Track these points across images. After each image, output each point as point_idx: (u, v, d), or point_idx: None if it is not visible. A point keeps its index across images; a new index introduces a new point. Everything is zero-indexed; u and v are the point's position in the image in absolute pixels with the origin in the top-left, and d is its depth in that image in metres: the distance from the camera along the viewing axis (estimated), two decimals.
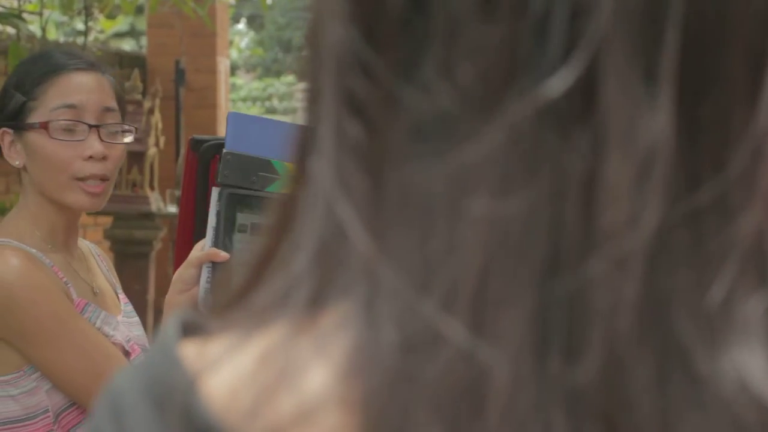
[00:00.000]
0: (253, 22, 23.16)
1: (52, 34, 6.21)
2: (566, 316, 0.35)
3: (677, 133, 0.35)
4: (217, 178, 1.80)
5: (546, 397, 0.35)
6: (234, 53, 19.67)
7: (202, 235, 1.90)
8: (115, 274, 2.03)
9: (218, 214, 1.78)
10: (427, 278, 0.36)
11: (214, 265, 1.74)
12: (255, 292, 0.42)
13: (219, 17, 6.52)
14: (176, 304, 1.73)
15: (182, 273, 1.74)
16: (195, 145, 1.95)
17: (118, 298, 1.94)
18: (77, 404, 1.76)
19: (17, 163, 1.80)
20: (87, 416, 1.76)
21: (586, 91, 0.35)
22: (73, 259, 1.87)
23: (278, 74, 21.74)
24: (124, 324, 1.86)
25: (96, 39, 5.93)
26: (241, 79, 21.00)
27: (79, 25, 5.69)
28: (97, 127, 1.83)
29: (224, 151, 1.79)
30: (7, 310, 1.69)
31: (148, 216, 5.38)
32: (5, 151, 1.82)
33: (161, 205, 5.62)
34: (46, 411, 1.75)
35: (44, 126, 1.78)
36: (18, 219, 1.81)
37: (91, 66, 1.85)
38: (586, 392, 0.34)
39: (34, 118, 1.79)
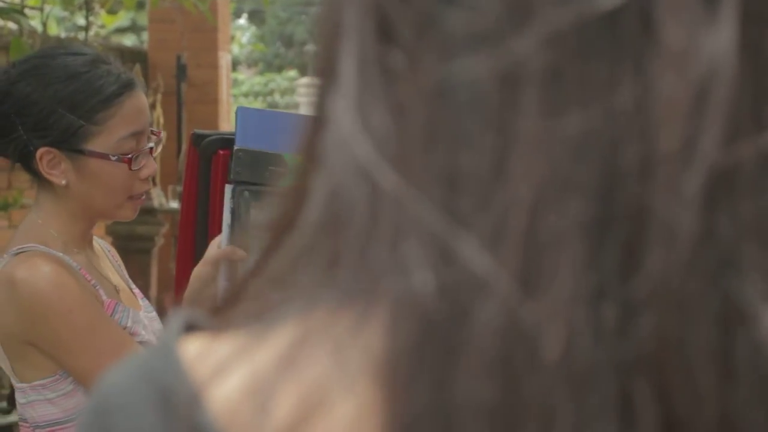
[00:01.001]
0: (255, 17, 23.14)
1: (53, 30, 6.20)
2: (622, 258, 0.32)
3: (739, 62, 0.33)
4: (229, 175, 1.80)
5: (601, 354, 0.32)
6: (235, 48, 19.67)
7: (205, 231, 1.90)
8: (125, 269, 2.02)
9: (233, 211, 1.78)
10: (466, 217, 0.33)
11: (232, 262, 1.75)
12: (263, 272, 0.40)
13: (220, 12, 6.51)
14: (196, 302, 1.74)
15: (200, 271, 1.74)
16: (196, 140, 1.94)
17: (133, 293, 1.93)
18: None
19: (62, 182, 1.75)
20: None
21: (642, 7, 0.33)
22: (95, 257, 1.86)
23: (280, 69, 21.74)
24: (147, 319, 1.85)
25: (97, 34, 5.93)
26: (242, 74, 21.00)
27: (80, 21, 5.68)
28: (151, 147, 1.82)
29: (236, 147, 1.78)
30: (42, 318, 1.67)
31: (150, 212, 5.38)
32: (44, 169, 1.74)
33: (163, 200, 5.61)
34: None
35: (109, 155, 1.75)
36: (39, 226, 1.77)
37: (134, 82, 1.81)
38: (641, 352, 0.32)
39: (97, 145, 1.74)
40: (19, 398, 1.76)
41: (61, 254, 1.74)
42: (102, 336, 1.70)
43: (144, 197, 1.84)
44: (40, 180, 1.78)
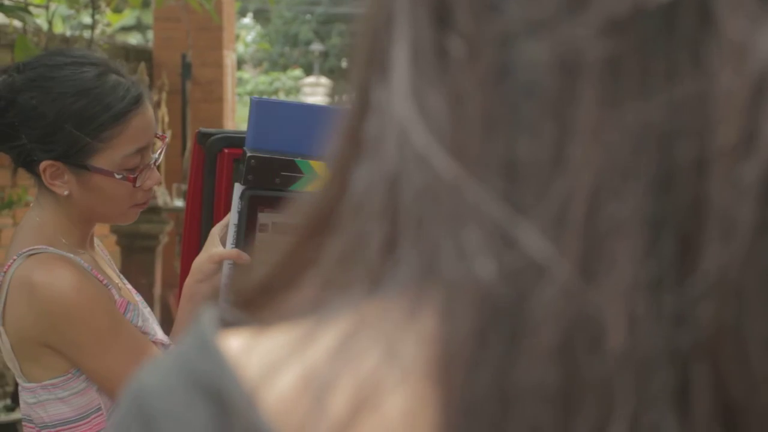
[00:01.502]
0: (260, 16, 23.15)
1: (59, 28, 6.20)
2: (680, 248, 0.33)
3: None
4: (238, 176, 1.79)
5: (660, 341, 0.33)
6: (240, 47, 19.67)
7: (209, 229, 1.89)
8: (115, 264, 2.02)
9: (240, 213, 1.77)
10: (526, 204, 0.34)
11: (236, 264, 1.75)
12: (309, 267, 0.39)
13: (225, 11, 6.51)
14: (195, 292, 1.75)
15: (202, 264, 1.75)
16: (201, 138, 1.94)
17: (127, 288, 1.93)
18: None
19: (65, 192, 1.74)
20: None
21: (700, 4, 0.33)
22: (97, 256, 1.85)
23: (285, 68, 21.76)
24: (148, 315, 1.86)
25: (102, 32, 5.92)
26: (247, 73, 21.00)
27: (86, 19, 5.68)
28: (155, 159, 1.81)
29: (247, 155, 1.77)
30: (64, 321, 1.66)
31: (155, 210, 5.37)
32: (47, 180, 1.74)
33: (168, 199, 5.61)
34: (99, 409, 1.73)
35: (113, 174, 1.74)
36: (41, 226, 1.77)
37: (143, 96, 1.79)
38: (698, 340, 0.33)
39: (102, 161, 1.73)
40: (28, 398, 1.75)
41: (71, 255, 1.73)
42: (121, 336, 1.70)
43: (147, 202, 1.84)
44: (42, 183, 1.77)
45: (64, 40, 5.04)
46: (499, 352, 0.33)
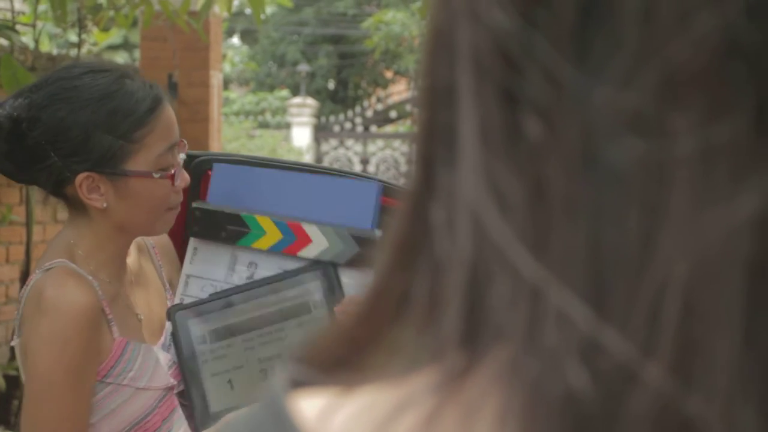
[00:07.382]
0: (247, 36, 23.19)
1: (46, 46, 6.20)
2: None
3: None
4: (189, 232, 1.83)
5: None
6: (227, 67, 19.69)
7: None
8: (176, 265, 1.94)
9: (173, 335, 1.80)
10: (613, 302, 0.32)
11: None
12: (381, 340, 0.37)
13: (212, 31, 6.52)
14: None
15: None
16: (187, 160, 1.94)
17: (167, 296, 1.88)
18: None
19: (103, 205, 1.69)
20: None
21: None
22: (122, 286, 1.79)
23: (271, 88, 21.78)
24: (162, 350, 1.80)
25: (89, 51, 5.92)
26: (234, 93, 21.02)
27: (73, 38, 5.68)
28: (183, 158, 1.78)
29: (192, 206, 1.81)
30: (40, 332, 1.62)
31: None
32: (84, 195, 1.68)
33: None
34: None
35: (152, 173, 1.71)
36: (71, 246, 1.72)
37: (161, 93, 1.76)
38: None
39: (137, 164, 1.69)
40: None
41: (90, 278, 1.68)
42: (65, 389, 1.63)
43: (179, 208, 1.78)
44: (72, 203, 1.73)
45: (51, 58, 5.04)
46: None
